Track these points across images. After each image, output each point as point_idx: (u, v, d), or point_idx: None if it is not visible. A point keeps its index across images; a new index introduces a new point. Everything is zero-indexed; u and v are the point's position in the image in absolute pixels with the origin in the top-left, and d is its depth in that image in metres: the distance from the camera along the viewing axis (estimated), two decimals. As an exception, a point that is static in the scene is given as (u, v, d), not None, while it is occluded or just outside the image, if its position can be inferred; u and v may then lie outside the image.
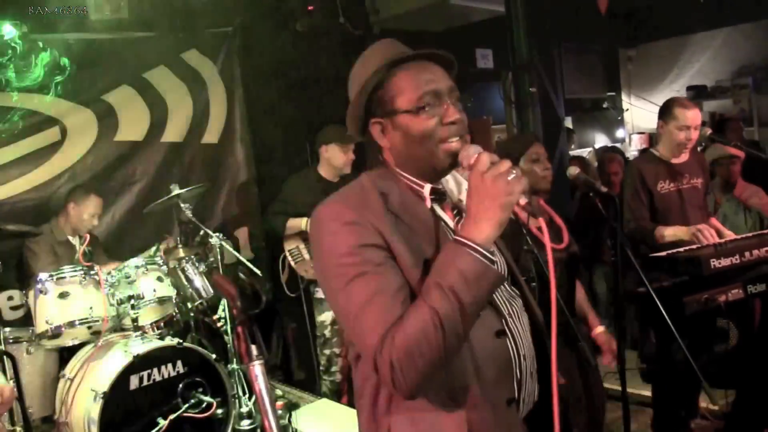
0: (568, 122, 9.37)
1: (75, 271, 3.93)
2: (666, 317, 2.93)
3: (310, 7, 6.44)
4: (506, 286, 1.71)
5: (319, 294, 4.81)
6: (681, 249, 3.45)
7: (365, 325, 1.46)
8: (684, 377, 3.67)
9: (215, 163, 6.30)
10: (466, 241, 1.46)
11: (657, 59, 9.25)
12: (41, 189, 5.26)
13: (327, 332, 4.80)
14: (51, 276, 3.87)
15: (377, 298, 1.46)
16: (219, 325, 4.50)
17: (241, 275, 1.42)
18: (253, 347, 1.25)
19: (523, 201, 1.49)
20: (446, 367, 1.49)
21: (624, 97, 9.89)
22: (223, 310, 4.51)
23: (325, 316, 4.79)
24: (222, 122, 6.34)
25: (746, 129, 8.12)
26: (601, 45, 9.55)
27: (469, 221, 1.50)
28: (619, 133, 9.79)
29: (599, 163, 6.72)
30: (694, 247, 3.45)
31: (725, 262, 3.16)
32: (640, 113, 9.56)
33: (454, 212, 1.73)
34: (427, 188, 1.65)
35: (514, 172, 1.48)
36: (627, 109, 9.76)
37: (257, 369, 1.23)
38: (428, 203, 1.65)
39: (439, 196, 1.68)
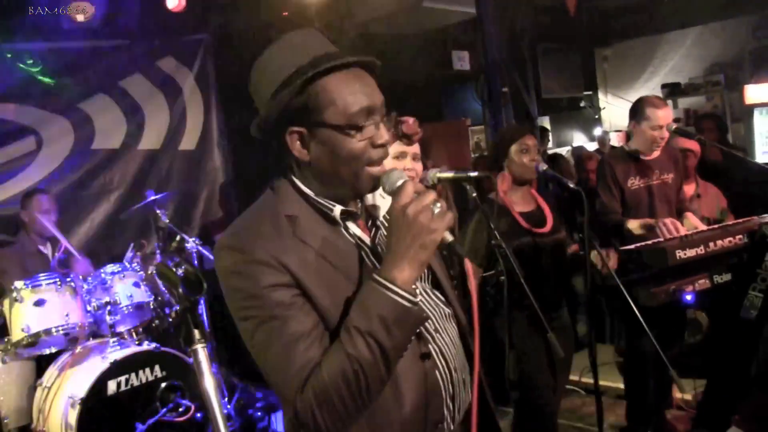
0: (546, 122, 9.47)
1: (50, 278, 3.93)
2: (635, 309, 3.00)
3: (285, 13, 6.48)
4: (428, 292, 1.63)
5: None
6: (649, 242, 3.50)
7: (282, 370, 1.38)
8: (655, 368, 3.74)
9: (193, 170, 6.32)
10: (385, 283, 1.36)
11: (632, 58, 9.37)
12: (17, 199, 5.22)
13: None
14: (26, 284, 3.86)
15: (290, 342, 1.37)
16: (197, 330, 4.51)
17: (186, 264, 1.43)
18: (196, 331, 1.27)
19: (448, 239, 1.39)
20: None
21: (601, 95, 10.00)
22: (201, 315, 4.54)
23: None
24: (199, 129, 6.38)
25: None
26: (578, 45, 9.66)
27: (389, 259, 1.39)
28: (597, 131, 9.89)
29: (577, 161, 6.79)
30: (660, 239, 3.51)
31: (690, 252, 3.20)
32: (616, 111, 9.66)
33: (368, 224, 1.61)
34: (337, 210, 1.51)
35: (439, 205, 1.38)
36: (604, 108, 9.86)
37: (200, 353, 1.25)
38: (341, 225, 1.52)
39: (350, 215, 1.54)
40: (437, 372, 1.54)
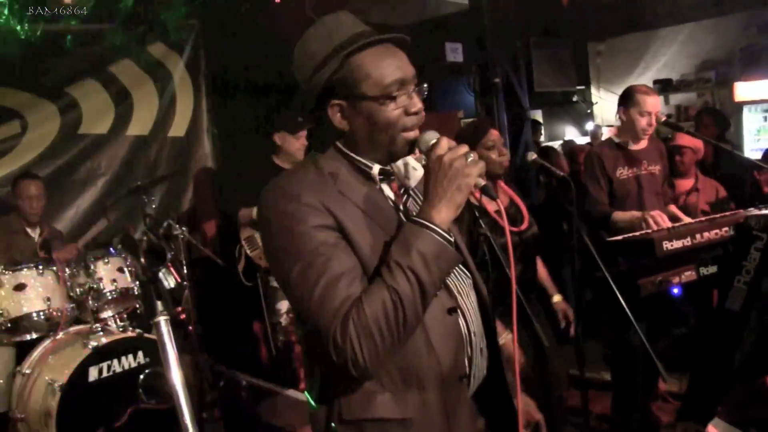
0: (538, 115, 9.44)
1: (32, 262, 3.88)
2: (621, 300, 2.98)
3: (276, 0, 6.43)
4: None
5: (275, 282, 4.75)
6: (636, 233, 3.49)
7: (323, 304, 1.46)
8: (642, 361, 3.73)
9: (182, 156, 6.26)
10: (425, 222, 1.48)
11: (625, 53, 9.34)
12: (2, 182, 5.19)
13: (283, 320, 4.78)
14: (6, 268, 3.81)
15: (334, 278, 1.46)
16: (182, 317, 4.49)
17: (149, 233, 1.40)
18: (159, 303, 1.23)
19: (481, 182, 1.52)
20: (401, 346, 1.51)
21: (593, 90, 9.97)
22: (187, 302, 4.51)
23: (282, 305, 4.76)
24: (189, 115, 6.32)
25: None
26: (571, 39, 9.63)
27: (426, 202, 1.51)
28: (589, 126, 9.88)
29: (569, 154, 6.78)
30: (648, 231, 3.50)
31: (677, 244, 3.20)
32: (609, 106, 9.63)
33: (401, 191, 1.72)
34: (375, 168, 1.64)
35: (472, 155, 1.50)
36: (596, 102, 9.85)
37: (162, 325, 1.22)
38: (377, 184, 1.65)
39: (387, 175, 1.67)
40: (461, 327, 1.65)
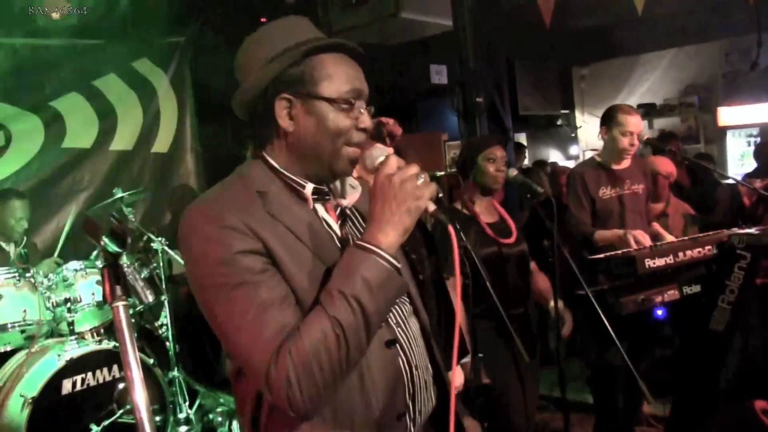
0: (523, 138, 9.50)
1: (9, 272, 3.82)
2: (604, 319, 2.98)
3: (263, 19, 6.45)
4: None
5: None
6: (618, 252, 3.49)
7: (254, 337, 1.32)
8: (625, 382, 3.71)
9: (165, 173, 6.24)
10: (370, 247, 1.36)
11: (609, 78, 9.45)
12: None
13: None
14: (-18, 279, 3.75)
15: (262, 309, 1.33)
16: (161, 331, 4.43)
17: (112, 218, 1.37)
18: (118, 287, 1.19)
19: (431, 208, 1.41)
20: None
21: (578, 114, 10.07)
22: (165, 317, 4.45)
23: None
24: (172, 132, 6.31)
25: (693, 146, 8.37)
26: (555, 63, 9.74)
27: (373, 225, 1.39)
28: (573, 150, 9.95)
29: (551, 175, 6.80)
30: (629, 249, 3.50)
31: (659, 262, 3.19)
32: (593, 130, 9.70)
33: (338, 212, 1.60)
34: (309, 188, 1.51)
35: (423, 176, 1.40)
36: (580, 126, 9.94)
37: (121, 310, 1.18)
38: (310, 204, 1.52)
39: (321, 196, 1.55)
40: (400, 361, 1.52)
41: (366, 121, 1.51)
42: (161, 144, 6.22)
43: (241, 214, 1.38)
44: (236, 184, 1.49)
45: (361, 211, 1.66)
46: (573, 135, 10.12)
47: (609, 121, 3.95)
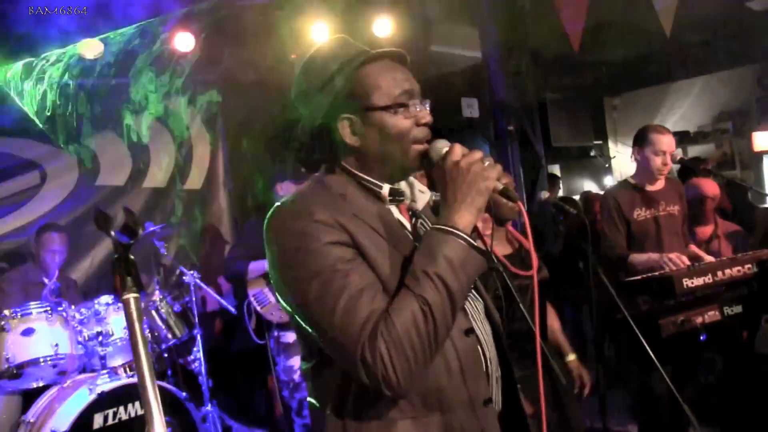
0: (556, 170, 9.41)
1: (41, 306, 3.84)
2: (644, 343, 2.86)
3: (293, 56, 6.54)
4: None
5: (287, 338, 4.62)
6: (655, 273, 3.40)
7: (347, 322, 1.38)
8: (669, 410, 3.56)
9: (198, 209, 6.29)
10: (448, 228, 1.44)
11: (641, 107, 9.36)
12: (19, 232, 5.22)
13: (296, 377, 4.63)
14: (15, 312, 3.77)
15: (355, 293, 1.39)
16: (193, 366, 4.41)
17: (123, 209, 1.35)
18: (129, 279, 1.16)
19: (499, 186, 1.48)
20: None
21: (611, 144, 9.97)
22: (198, 351, 4.43)
23: (295, 361, 4.62)
24: (205, 169, 6.39)
25: (729, 172, 8.21)
26: (587, 94, 9.69)
27: (447, 208, 1.47)
28: (607, 180, 9.82)
29: (584, 202, 6.71)
30: (666, 270, 3.40)
31: (698, 281, 3.10)
32: (627, 161, 9.60)
33: (410, 214, 1.68)
34: (385, 188, 1.58)
35: (488, 159, 1.48)
36: (614, 157, 9.82)
37: (132, 303, 1.14)
38: (387, 204, 1.59)
39: (397, 196, 1.62)
40: (479, 350, 1.58)
41: (425, 116, 1.57)
42: (194, 181, 6.30)
43: (328, 210, 1.47)
44: (317, 188, 1.57)
45: (428, 214, 1.75)
46: (607, 165, 9.99)
47: (641, 141, 3.88)
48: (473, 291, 1.67)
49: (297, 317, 1.50)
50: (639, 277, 3.39)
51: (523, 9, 5.69)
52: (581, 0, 5.11)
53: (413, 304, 1.38)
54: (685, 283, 3.08)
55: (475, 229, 1.50)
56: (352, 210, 1.51)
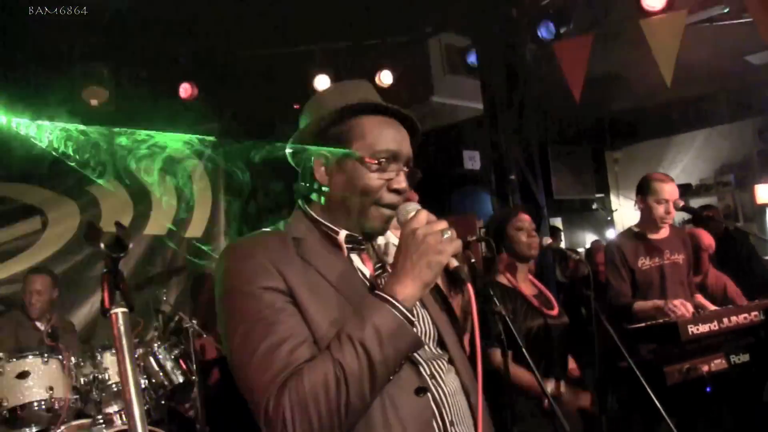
0: (558, 222, 9.42)
1: (37, 349, 3.78)
2: (650, 392, 2.79)
3: (295, 106, 6.62)
4: (430, 347, 1.54)
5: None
6: (659, 320, 3.35)
7: (260, 370, 1.32)
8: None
9: (199, 258, 6.26)
10: (385, 296, 1.35)
11: (642, 160, 9.42)
12: (18, 278, 5.18)
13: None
14: (10, 355, 3.71)
15: (274, 346, 1.33)
16: (190, 413, 4.32)
17: (115, 224, 1.33)
18: (117, 293, 1.12)
19: (453, 264, 1.39)
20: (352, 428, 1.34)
21: (613, 197, 10.00)
22: (195, 398, 4.35)
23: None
24: (206, 217, 6.39)
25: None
26: (588, 147, 9.78)
27: (392, 276, 1.39)
28: (610, 233, 9.82)
29: (587, 253, 6.68)
30: (671, 317, 3.35)
31: (703, 328, 3.05)
32: (629, 213, 9.62)
33: (376, 266, 1.61)
34: (342, 234, 1.53)
35: (449, 232, 1.39)
36: (616, 210, 9.84)
37: (119, 317, 1.10)
38: (344, 251, 1.54)
39: (356, 244, 1.56)
40: (433, 413, 1.44)
41: (401, 182, 1.52)
42: (195, 229, 6.30)
43: (270, 254, 1.43)
44: (272, 232, 1.54)
45: None
46: (609, 218, 10.01)
47: (644, 190, 3.87)
48: (436, 348, 1.56)
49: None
50: (642, 324, 3.34)
51: (524, 60, 5.76)
52: (582, 52, 5.17)
53: (328, 367, 1.29)
54: (690, 329, 3.03)
55: (441, 291, 1.47)
56: (304, 255, 1.47)
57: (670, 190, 3.79)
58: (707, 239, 4.57)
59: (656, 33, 4.85)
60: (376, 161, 1.50)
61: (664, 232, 3.89)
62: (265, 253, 1.43)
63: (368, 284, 1.53)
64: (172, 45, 5.72)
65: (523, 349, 2.75)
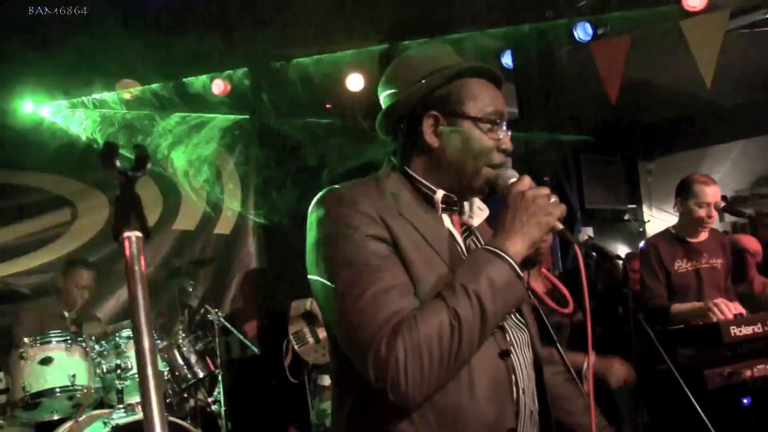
0: (590, 232, 9.24)
1: (61, 335, 3.76)
2: (691, 398, 2.64)
3: (327, 105, 6.59)
4: (515, 315, 1.59)
5: (323, 381, 4.59)
6: (699, 322, 3.23)
7: (369, 314, 1.32)
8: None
9: (227, 254, 6.25)
10: (498, 251, 1.40)
11: (676, 171, 9.17)
12: (48, 268, 5.21)
13: (328, 422, 4.52)
14: (35, 340, 3.69)
15: (384, 289, 1.35)
16: (213, 408, 4.28)
17: (134, 145, 1.26)
18: (132, 215, 1.02)
19: (559, 226, 1.44)
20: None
21: (645, 209, 9.81)
22: (219, 393, 4.31)
23: (328, 405, 4.53)
24: (236, 213, 6.36)
25: (772, 237, 7.97)
26: (621, 158, 9.62)
27: (502, 233, 1.43)
28: (642, 245, 9.63)
29: (622, 266, 6.52)
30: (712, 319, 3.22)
31: (746, 330, 2.93)
32: (662, 225, 9.42)
33: (463, 228, 1.63)
34: (439, 194, 1.54)
35: (554, 197, 1.45)
36: (649, 221, 9.64)
37: (132, 242, 0.99)
38: (439, 210, 1.55)
39: (451, 205, 1.57)
40: (512, 378, 1.48)
41: (507, 142, 1.55)
42: (224, 225, 6.28)
43: (374, 204, 1.44)
44: (372, 184, 1.54)
45: (482, 235, 1.68)
46: (641, 230, 9.81)
47: (684, 192, 3.75)
48: (519, 321, 1.60)
49: (320, 299, 1.46)
50: (682, 326, 3.22)
51: (560, 62, 5.66)
52: (619, 52, 5.06)
53: (443, 314, 1.32)
54: (732, 331, 2.91)
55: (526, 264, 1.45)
56: (401, 209, 1.48)
57: (712, 193, 3.66)
58: (754, 245, 4.43)
59: (697, 33, 4.73)
60: (491, 122, 1.52)
61: (703, 236, 3.76)
62: (369, 202, 1.44)
63: (460, 246, 1.56)
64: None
65: (557, 343, 2.67)
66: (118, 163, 1.01)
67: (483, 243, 1.62)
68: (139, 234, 1.00)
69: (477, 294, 1.33)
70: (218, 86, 5.77)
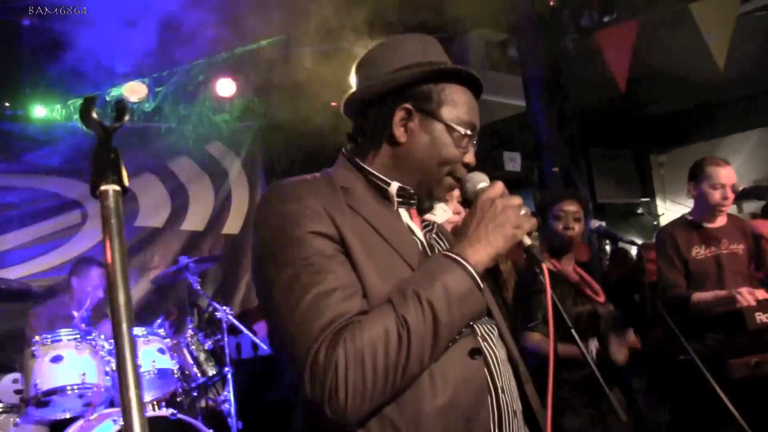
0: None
1: (72, 334, 3.74)
2: (717, 388, 2.50)
3: (333, 103, 6.53)
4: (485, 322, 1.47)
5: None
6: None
7: (307, 319, 1.21)
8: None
9: (235, 254, 6.22)
10: (458, 258, 1.30)
11: (690, 163, 9.04)
12: (59, 269, 5.22)
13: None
14: (45, 338, 3.68)
15: (323, 294, 1.23)
16: (224, 407, 4.23)
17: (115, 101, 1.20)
18: (109, 169, 0.96)
19: (527, 241, 1.36)
20: (397, 394, 1.23)
21: (659, 202, 9.69)
22: (228, 392, 4.26)
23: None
24: (243, 214, 6.36)
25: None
26: (632, 151, 9.51)
27: (464, 240, 1.34)
28: (657, 234, 9.53)
29: (637, 254, 6.43)
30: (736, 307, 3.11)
31: (772, 316, 2.83)
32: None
33: (423, 224, 1.54)
34: (393, 186, 1.44)
35: (525, 209, 1.36)
36: (662, 214, 9.52)
37: (110, 196, 0.92)
38: (395, 204, 1.46)
39: (406, 200, 1.48)
40: (486, 377, 1.35)
41: (471, 158, 1.48)
42: (232, 226, 6.27)
43: (321, 199, 1.34)
44: (318, 178, 1.44)
45: (445, 234, 1.61)
46: (654, 223, 9.70)
47: (697, 175, 3.64)
48: (489, 324, 1.47)
49: (260, 300, 1.35)
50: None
51: (566, 51, 5.56)
52: (627, 39, 4.96)
53: (390, 321, 1.21)
54: (758, 317, 2.82)
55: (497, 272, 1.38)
56: (353, 204, 1.37)
57: (726, 174, 3.53)
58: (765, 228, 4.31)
59: (708, 16, 4.62)
60: (463, 133, 1.44)
61: (721, 221, 3.63)
62: (314, 196, 1.33)
63: (419, 242, 1.47)
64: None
65: (572, 330, 2.60)
66: (95, 115, 0.94)
67: (443, 241, 1.57)
68: (117, 188, 0.93)
69: (430, 302, 1.23)
70: (225, 86, 5.73)
